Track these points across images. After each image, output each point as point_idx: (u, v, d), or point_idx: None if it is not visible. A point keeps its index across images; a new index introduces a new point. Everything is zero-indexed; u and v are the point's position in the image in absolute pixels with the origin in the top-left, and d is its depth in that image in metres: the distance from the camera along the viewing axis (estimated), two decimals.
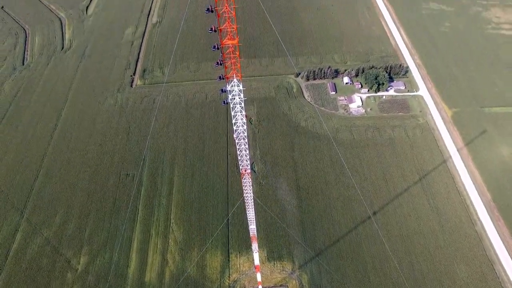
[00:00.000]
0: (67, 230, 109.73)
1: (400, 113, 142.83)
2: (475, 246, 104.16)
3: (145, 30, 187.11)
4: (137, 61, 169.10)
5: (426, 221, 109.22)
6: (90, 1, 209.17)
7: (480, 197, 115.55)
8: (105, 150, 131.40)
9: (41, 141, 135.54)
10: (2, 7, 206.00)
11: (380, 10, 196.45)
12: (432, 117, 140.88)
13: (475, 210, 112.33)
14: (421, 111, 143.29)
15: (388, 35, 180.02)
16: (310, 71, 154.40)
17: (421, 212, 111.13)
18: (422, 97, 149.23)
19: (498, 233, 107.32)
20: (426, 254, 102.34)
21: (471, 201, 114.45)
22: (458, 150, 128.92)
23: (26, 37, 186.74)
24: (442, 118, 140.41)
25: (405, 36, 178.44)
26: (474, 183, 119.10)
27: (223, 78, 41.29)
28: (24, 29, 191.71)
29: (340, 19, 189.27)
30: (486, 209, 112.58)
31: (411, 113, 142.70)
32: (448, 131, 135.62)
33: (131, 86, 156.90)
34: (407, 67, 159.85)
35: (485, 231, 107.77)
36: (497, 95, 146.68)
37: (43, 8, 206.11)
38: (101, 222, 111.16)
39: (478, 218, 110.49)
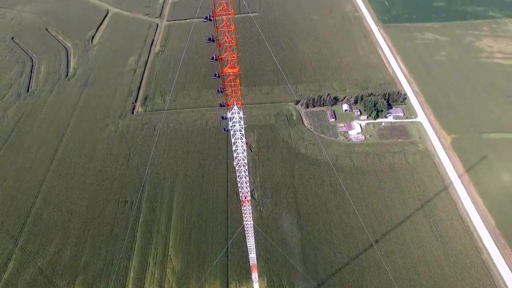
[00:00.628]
0: (61, 258, 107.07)
1: (399, 140, 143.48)
2: (483, 276, 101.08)
3: (147, 59, 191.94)
4: (139, 88, 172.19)
5: (430, 249, 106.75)
6: (96, 32, 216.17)
7: (484, 224, 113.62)
8: (105, 176, 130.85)
9: (41, 167, 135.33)
10: (13, 38, 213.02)
11: (376, 39, 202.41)
12: (432, 143, 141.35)
13: (479, 237, 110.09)
14: (420, 138, 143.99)
15: (385, 63, 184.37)
16: (310, 99, 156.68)
17: (424, 240, 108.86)
18: (421, 123, 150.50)
19: (506, 262, 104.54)
20: (432, 284, 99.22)
21: (475, 228, 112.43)
22: (459, 176, 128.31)
23: (32, 65, 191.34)
24: (442, 144, 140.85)
25: (402, 64, 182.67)
26: (477, 210, 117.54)
27: (223, 106, 41.95)
28: (31, 58, 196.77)
29: (338, 48, 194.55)
30: (491, 236, 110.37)
31: (411, 140, 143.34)
32: (448, 157, 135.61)
33: (133, 113, 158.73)
34: (405, 94, 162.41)
35: (491, 259, 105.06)
36: (494, 121, 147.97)
37: (51, 38, 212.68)
38: (98, 250, 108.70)
39: (484, 246, 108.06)
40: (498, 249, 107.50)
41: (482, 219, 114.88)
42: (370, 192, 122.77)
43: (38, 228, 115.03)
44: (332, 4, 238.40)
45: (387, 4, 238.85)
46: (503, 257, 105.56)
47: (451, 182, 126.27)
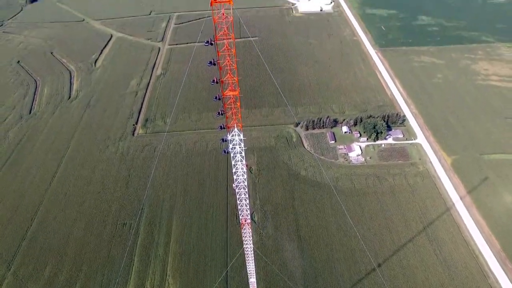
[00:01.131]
0: (56, 283, 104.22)
1: (399, 161, 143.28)
2: None
3: (149, 81, 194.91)
4: (140, 111, 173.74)
5: (435, 273, 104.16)
6: (99, 55, 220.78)
7: (489, 247, 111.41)
8: (103, 198, 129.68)
9: (39, 188, 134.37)
10: (19, 61, 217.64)
11: (374, 62, 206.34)
12: (432, 165, 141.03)
13: (485, 261, 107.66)
14: (420, 159, 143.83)
15: (384, 85, 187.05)
16: (309, 121, 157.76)
17: (428, 264, 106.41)
18: (420, 145, 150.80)
19: None
20: None
21: (480, 251, 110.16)
22: (461, 198, 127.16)
23: (36, 88, 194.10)
24: (442, 166, 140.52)
25: (400, 87, 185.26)
26: (481, 232, 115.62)
27: (224, 128, 42.19)
28: (35, 80, 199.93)
29: (337, 71, 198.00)
30: (497, 260, 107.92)
31: (411, 161, 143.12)
32: (449, 179, 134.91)
33: (133, 135, 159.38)
34: (404, 116, 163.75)
35: (499, 284, 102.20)
36: (494, 142, 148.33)
37: (56, 62, 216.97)
38: (94, 274, 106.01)
39: (490, 270, 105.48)
40: (506, 273, 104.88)
41: (486, 242, 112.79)
42: (372, 215, 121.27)
43: (32, 252, 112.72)
44: (331, 29, 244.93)
45: (383, 29, 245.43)
46: (511, 282, 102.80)
47: (453, 204, 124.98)
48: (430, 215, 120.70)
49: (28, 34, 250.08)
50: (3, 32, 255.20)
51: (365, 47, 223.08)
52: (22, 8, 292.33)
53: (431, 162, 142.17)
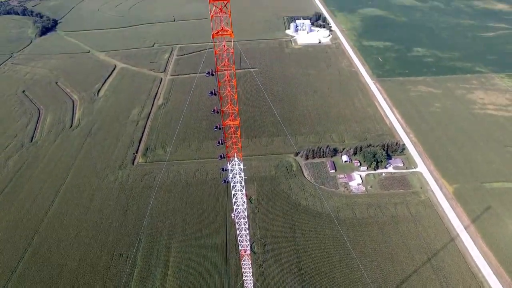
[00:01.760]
0: None
1: (401, 190, 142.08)
2: None
3: (150, 111, 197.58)
4: (140, 139, 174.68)
5: None
6: (102, 85, 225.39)
7: (498, 279, 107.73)
8: (100, 228, 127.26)
9: (35, 218, 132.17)
10: (24, 91, 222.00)
11: (373, 92, 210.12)
12: (434, 194, 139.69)
13: None
14: (421, 188, 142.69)
15: (383, 114, 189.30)
16: (309, 150, 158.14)
17: None
18: (421, 173, 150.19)
19: None
20: None
21: (489, 285, 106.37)
22: (465, 228, 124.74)
23: (39, 116, 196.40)
24: (444, 195, 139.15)
25: (398, 116, 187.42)
26: (488, 264, 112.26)
27: (224, 157, 42.25)
28: (38, 109, 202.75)
29: (336, 101, 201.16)
30: None
31: (412, 190, 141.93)
32: (452, 208, 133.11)
33: (133, 163, 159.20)
34: (404, 144, 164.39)
35: None
36: (495, 171, 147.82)
37: (60, 91, 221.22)
38: None
39: None
40: None
41: (495, 275, 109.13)
42: (374, 245, 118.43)
43: (23, 285, 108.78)
44: (329, 60, 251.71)
45: (380, 60, 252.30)
46: None
47: (458, 234, 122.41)
48: (434, 245, 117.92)
49: (35, 65, 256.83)
50: (12, 63, 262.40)
51: (363, 77, 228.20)
52: (31, 41, 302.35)
53: (432, 191, 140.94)
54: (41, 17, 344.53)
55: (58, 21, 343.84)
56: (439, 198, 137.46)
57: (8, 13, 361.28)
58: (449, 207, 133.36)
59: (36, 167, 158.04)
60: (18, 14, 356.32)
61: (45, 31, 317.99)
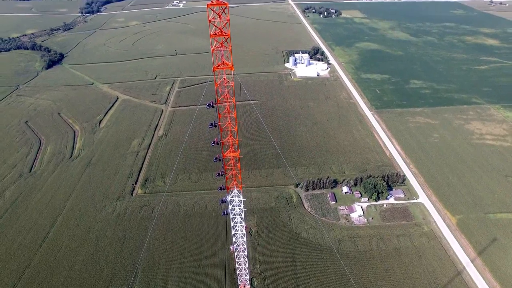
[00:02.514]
0: None
1: (403, 222, 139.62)
2: None
3: (150, 142, 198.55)
4: (140, 170, 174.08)
5: None
6: (104, 116, 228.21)
7: None
8: (96, 261, 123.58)
9: (28, 250, 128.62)
10: (26, 121, 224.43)
11: (371, 124, 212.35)
12: (437, 225, 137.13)
13: None
14: (424, 219, 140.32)
15: (382, 145, 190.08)
16: (309, 182, 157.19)
17: None
18: (423, 204, 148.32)
19: None
20: None
21: None
22: (471, 261, 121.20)
23: (40, 147, 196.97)
24: (447, 226, 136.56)
25: (398, 147, 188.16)
26: None
27: (223, 189, 41.96)
28: (40, 140, 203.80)
29: (335, 132, 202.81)
30: None
31: (414, 221, 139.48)
32: (456, 239, 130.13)
33: (132, 194, 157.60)
34: (404, 175, 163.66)
35: None
36: (498, 201, 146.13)
37: (62, 122, 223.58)
38: None
39: None
40: None
41: None
42: (378, 280, 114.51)
43: None
44: (328, 92, 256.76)
45: (378, 92, 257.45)
46: None
47: (464, 267, 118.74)
48: (440, 279, 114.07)
49: (39, 97, 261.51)
50: (17, 95, 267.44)
51: (362, 109, 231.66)
52: (37, 73, 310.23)
53: (435, 222, 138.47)
54: (49, 51, 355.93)
55: (64, 55, 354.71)
56: (443, 230, 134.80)
57: (19, 48, 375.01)
58: (453, 239, 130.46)
59: (33, 198, 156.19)
60: (28, 49, 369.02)
61: (51, 64, 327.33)
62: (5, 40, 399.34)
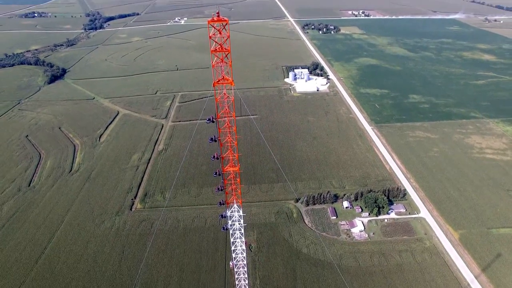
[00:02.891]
0: None
1: (404, 237, 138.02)
2: None
3: (150, 156, 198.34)
4: (139, 185, 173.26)
5: None
6: (104, 130, 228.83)
7: None
8: (93, 277, 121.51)
9: (23, 267, 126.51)
10: (27, 136, 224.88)
11: (371, 138, 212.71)
12: (439, 240, 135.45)
13: None
14: (426, 234, 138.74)
15: (382, 160, 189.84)
16: (310, 197, 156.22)
17: None
18: (424, 219, 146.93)
19: None
20: None
21: None
22: (476, 277, 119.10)
23: (39, 161, 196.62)
24: (450, 241, 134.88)
25: (398, 161, 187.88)
26: None
27: (223, 204, 41.67)
28: (39, 154, 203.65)
29: (335, 147, 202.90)
30: None
31: (416, 236, 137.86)
32: (459, 255, 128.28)
33: (131, 209, 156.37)
34: (405, 190, 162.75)
35: None
36: (501, 216, 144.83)
37: (62, 136, 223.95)
38: None
39: None
40: None
41: None
42: None
43: None
44: (327, 107, 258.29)
45: (377, 106, 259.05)
46: None
47: (468, 284, 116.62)
48: None
49: (41, 111, 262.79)
50: (19, 109, 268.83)
51: (361, 123, 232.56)
52: (40, 88, 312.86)
53: (437, 237, 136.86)
54: (52, 66, 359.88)
55: (66, 70, 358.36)
56: (445, 245, 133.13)
57: (22, 63, 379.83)
58: (456, 255, 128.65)
59: (31, 213, 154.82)
60: (31, 64, 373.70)
61: (53, 79, 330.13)
62: (9, 55, 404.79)
